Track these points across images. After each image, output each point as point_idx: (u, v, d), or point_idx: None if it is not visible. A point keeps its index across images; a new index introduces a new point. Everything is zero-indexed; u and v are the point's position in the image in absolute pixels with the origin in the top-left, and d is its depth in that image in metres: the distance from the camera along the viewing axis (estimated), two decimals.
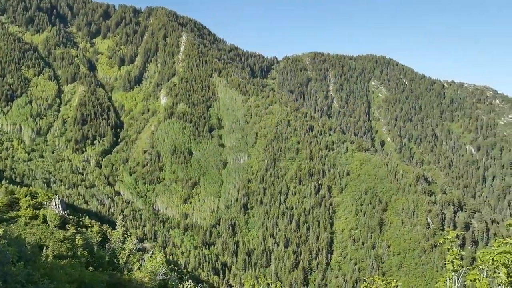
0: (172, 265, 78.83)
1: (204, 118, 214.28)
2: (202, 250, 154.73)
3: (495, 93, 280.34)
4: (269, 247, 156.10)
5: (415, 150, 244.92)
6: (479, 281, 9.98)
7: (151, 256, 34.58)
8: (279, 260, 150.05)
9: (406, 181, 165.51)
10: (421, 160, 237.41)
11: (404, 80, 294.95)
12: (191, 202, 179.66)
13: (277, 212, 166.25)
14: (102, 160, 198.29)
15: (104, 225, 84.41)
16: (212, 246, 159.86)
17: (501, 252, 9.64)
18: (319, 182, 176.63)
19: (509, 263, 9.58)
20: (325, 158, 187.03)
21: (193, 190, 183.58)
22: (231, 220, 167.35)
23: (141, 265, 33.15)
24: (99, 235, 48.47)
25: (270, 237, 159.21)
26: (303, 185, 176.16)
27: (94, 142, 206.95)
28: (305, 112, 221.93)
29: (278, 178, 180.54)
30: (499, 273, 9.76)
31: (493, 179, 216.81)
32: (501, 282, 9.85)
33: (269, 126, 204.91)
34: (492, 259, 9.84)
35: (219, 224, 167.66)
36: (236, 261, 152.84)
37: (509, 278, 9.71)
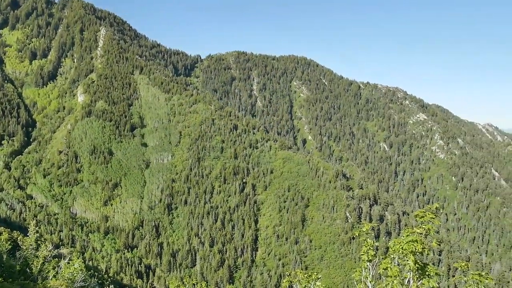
0: (92, 270, 75.21)
1: (125, 116, 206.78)
2: (124, 253, 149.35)
3: (405, 94, 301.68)
4: (194, 247, 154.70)
5: (334, 147, 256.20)
6: (391, 269, 10.69)
7: (68, 263, 32.72)
8: (204, 259, 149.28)
9: (326, 178, 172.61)
10: (340, 157, 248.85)
11: (324, 81, 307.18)
12: (112, 204, 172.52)
13: (202, 212, 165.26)
14: (11, 162, 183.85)
15: (14, 231, 78.43)
16: (135, 249, 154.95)
17: (409, 241, 10.40)
18: (244, 180, 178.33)
19: (416, 251, 10.37)
20: (249, 157, 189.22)
21: (114, 192, 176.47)
22: (154, 222, 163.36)
23: (57, 272, 31.23)
24: (9, 242, 44.80)
25: (195, 237, 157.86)
26: (227, 184, 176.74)
27: (2, 142, 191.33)
28: (229, 111, 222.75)
29: (203, 178, 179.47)
30: (407, 260, 10.52)
31: (403, 174, 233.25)
32: (410, 269, 10.62)
33: (193, 125, 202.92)
34: (402, 248, 10.59)
35: (142, 226, 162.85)
36: (161, 263, 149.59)
37: (416, 265, 10.52)
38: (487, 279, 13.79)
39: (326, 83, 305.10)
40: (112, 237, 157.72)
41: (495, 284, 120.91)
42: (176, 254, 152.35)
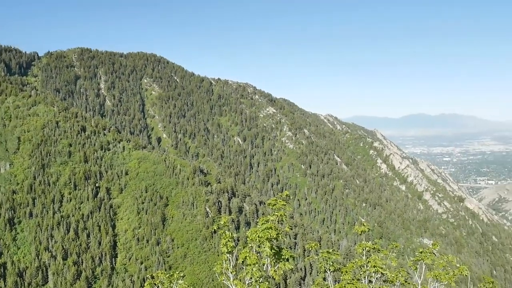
0: None
1: None
2: None
3: (255, 89, 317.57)
4: (45, 263, 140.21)
5: (190, 144, 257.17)
6: (249, 257, 11.10)
7: None
8: (58, 274, 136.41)
9: (184, 175, 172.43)
10: (196, 154, 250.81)
11: (176, 78, 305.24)
12: None
13: (52, 223, 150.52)
14: None
15: None
16: None
17: (265, 229, 10.93)
18: (97, 184, 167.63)
19: (272, 237, 10.94)
20: (101, 159, 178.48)
21: None
22: None
23: None
24: None
25: (45, 251, 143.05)
26: (79, 190, 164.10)
27: None
28: (75, 112, 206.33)
29: (50, 186, 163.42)
30: (264, 247, 11.04)
31: (258, 166, 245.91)
32: (267, 255, 11.17)
33: (34, 129, 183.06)
34: (258, 236, 11.07)
35: None
36: (5, 285, 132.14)
37: (273, 250, 11.10)
38: (334, 255, 15.35)
39: (178, 80, 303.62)
40: None
41: (344, 258, 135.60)
42: (24, 273, 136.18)
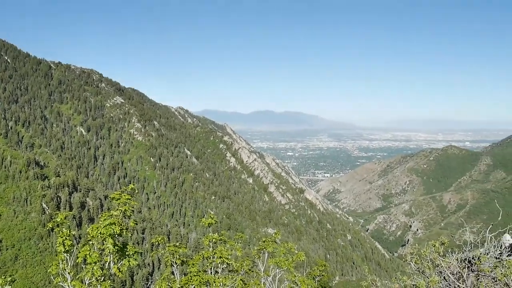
0: None
1: None
2: None
3: (101, 76, 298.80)
4: None
5: (24, 133, 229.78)
6: (90, 255, 10.29)
7: None
8: None
9: (16, 168, 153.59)
10: (31, 144, 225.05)
11: (7, 58, 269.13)
12: None
13: None
14: None
15: None
16: None
17: (108, 225, 10.24)
18: None
19: (115, 233, 10.31)
20: None
21: None
22: None
23: None
24: None
25: None
26: None
27: None
28: None
29: None
30: (107, 244, 10.35)
31: (103, 158, 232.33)
32: (110, 252, 10.49)
33: None
34: (100, 232, 10.33)
35: None
36: None
37: (116, 247, 10.47)
38: (181, 249, 15.28)
39: (9, 61, 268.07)
40: None
41: (192, 251, 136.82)
42: None
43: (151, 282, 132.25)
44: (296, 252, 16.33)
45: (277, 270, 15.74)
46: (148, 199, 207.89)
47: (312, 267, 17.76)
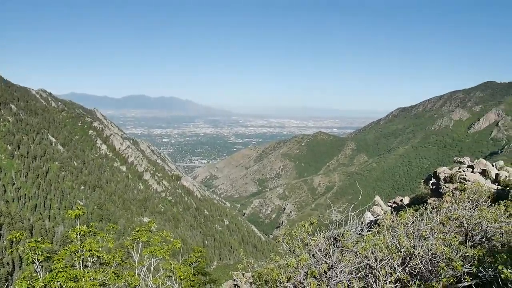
0: None
1: None
2: None
3: None
4: None
5: None
6: None
7: None
8: None
9: None
10: None
11: None
12: None
13: None
14: None
15: None
16: None
17: None
18: None
19: None
20: None
21: None
22: None
23: None
24: None
25: None
26: None
27: None
28: None
29: None
30: None
31: None
32: None
33: None
34: None
35: None
36: None
37: None
38: (44, 244, 13.84)
39: None
40: None
41: (60, 245, 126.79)
42: None
43: (11, 282, 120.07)
44: (172, 240, 16.05)
45: (153, 259, 15.29)
46: (5, 191, 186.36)
47: (189, 254, 17.64)
